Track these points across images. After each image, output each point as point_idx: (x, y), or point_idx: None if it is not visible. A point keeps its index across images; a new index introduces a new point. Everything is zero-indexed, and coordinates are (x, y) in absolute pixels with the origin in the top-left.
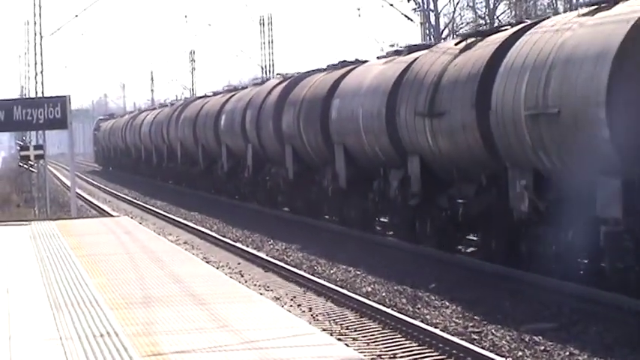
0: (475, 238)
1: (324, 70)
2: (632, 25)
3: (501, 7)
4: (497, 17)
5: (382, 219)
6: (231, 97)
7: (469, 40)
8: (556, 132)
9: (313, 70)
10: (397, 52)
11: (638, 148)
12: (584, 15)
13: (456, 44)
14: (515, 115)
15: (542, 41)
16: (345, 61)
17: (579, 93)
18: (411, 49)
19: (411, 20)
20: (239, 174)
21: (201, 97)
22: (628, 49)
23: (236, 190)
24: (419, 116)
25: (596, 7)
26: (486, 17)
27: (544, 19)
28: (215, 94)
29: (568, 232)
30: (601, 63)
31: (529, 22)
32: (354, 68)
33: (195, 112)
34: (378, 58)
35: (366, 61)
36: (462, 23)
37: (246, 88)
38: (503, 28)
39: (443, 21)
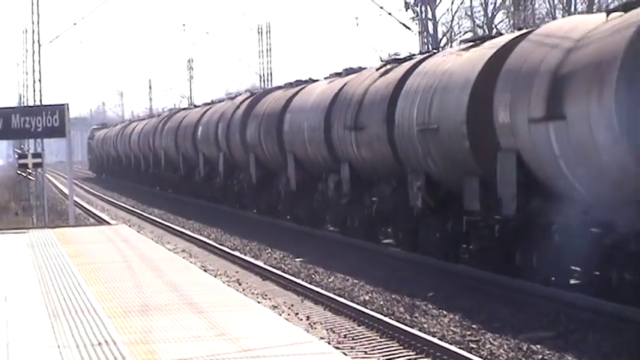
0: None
1: (283, 87)
2: (486, 61)
3: (499, 16)
4: (496, 26)
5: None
6: (207, 110)
7: (388, 66)
8: (437, 143)
9: (275, 87)
10: (337, 74)
11: (489, 155)
12: (463, 50)
13: (377, 69)
14: (411, 130)
15: (431, 70)
16: (299, 80)
17: (451, 113)
18: (348, 71)
19: (409, 29)
20: (213, 179)
21: (183, 110)
22: (484, 78)
23: (210, 193)
24: (347, 130)
25: (472, 42)
26: (485, 26)
27: (440, 51)
28: (196, 106)
29: (448, 223)
30: (464, 89)
31: (433, 51)
32: (305, 87)
33: (177, 123)
34: (325, 78)
35: (316, 80)
36: (459, 32)
37: (222, 101)
38: (415, 56)
39: (441, 30)
